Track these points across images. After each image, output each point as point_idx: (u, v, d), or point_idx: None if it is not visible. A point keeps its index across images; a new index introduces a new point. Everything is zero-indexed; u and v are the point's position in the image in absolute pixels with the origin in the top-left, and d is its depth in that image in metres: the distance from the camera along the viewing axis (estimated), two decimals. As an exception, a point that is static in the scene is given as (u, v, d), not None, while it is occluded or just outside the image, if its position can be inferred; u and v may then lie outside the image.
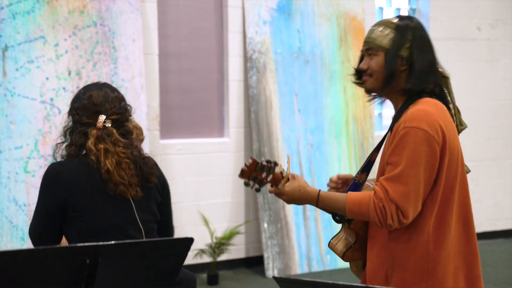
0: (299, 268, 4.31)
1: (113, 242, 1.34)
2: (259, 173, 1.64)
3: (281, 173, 1.68)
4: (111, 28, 3.82)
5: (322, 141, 4.59)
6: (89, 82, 3.83)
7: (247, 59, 4.38)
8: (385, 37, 1.73)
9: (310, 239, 4.41)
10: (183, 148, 4.27)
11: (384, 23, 1.76)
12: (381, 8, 5.17)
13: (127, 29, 3.87)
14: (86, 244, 1.29)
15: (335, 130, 4.64)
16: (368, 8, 4.90)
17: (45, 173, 1.79)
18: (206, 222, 4.11)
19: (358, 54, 5.25)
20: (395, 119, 1.73)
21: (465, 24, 5.23)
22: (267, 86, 4.42)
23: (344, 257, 1.79)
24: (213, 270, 4.08)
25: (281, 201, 4.32)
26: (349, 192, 1.70)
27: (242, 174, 1.64)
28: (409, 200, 1.62)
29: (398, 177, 1.62)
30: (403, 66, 1.72)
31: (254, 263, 4.44)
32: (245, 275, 4.27)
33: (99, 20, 3.78)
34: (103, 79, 3.77)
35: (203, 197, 4.29)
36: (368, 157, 1.82)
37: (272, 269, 4.21)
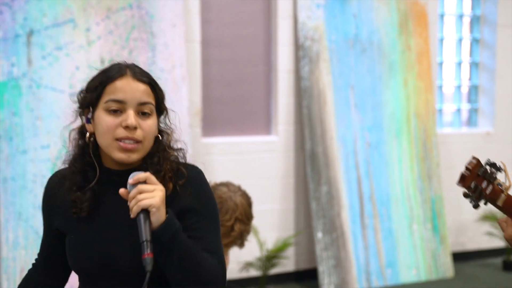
0: (357, 283, 3.81)
1: None
2: (480, 181, 1.25)
3: (498, 185, 1.28)
4: (149, 12, 3.36)
5: (381, 140, 4.08)
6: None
7: (298, 47, 3.89)
8: None
9: (369, 251, 3.91)
10: (226, 148, 3.79)
11: None
12: (443, -9, 4.63)
13: (167, 13, 3.40)
14: None
15: (395, 128, 4.13)
16: (431, -10, 4.37)
17: None
18: (255, 232, 3.63)
19: (420, 42, 4.76)
20: None
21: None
22: (321, 78, 3.92)
23: None
24: (263, 285, 3.61)
25: (336, 206, 3.84)
26: None
27: (463, 180, 1.24)
28: None
29: None
30: None
31: (306, 277, 3.95)
32: (296, 291, 3.81)
33: (136, 2, 3.32)
34: (140, 69, 3.32)
35: (249, 203, 3.81)
36: None
37: (328, 285, 3.72)
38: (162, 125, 1.34)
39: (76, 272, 1.34)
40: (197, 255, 1.23)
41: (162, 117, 1.35)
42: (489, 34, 4.71)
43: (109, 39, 3.24)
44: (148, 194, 1.20)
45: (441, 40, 4.65)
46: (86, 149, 1.31)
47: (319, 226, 3.77)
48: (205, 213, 1.30)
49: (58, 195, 1.33)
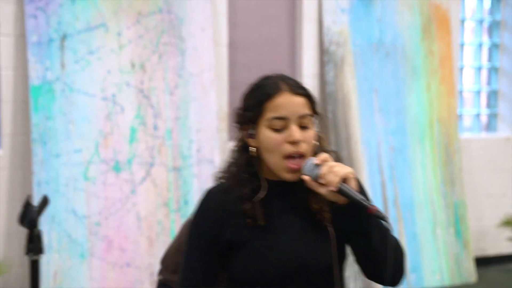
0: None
1: None
2: None
3: None
4: (178, 16, 3.37)
5: (405, 144, 4.09)
6: (153, 76, 3.44)
7: (323, 52, 3.90)
8: None
9: (393, 255, 3.91)
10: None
11: None
12: (464, -4, 4.64)
13: (196, 17, 3.41)
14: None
15: (419, 132, 4.14)
16: (454, -5, 4.38)
17: None
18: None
19: (442, 46, 4.75)
20: None
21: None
22: (345, 83, 3.93)
23: None
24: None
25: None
26: None
27: None
28: None
29: None
30: None
31: None
32: None
33: (165, 6, 3.33)
34: (169, 73, 3.33)
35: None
36: None
37: (353, 289, 3.73)
38: (317, 130, 1.37)
39: (248, 283, 1.32)
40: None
41: (317, 122, 1.38)
42: (509, 38, 4.72)
43: (139, 43, 3.25)
44: (339, 165, 1.27)
45: (462, 45, 4.66)
46: (250, 162, 1.34)
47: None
48: None
49: (224, 209, 1.35)
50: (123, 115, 3.18)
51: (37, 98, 2.97)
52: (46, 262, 2.92)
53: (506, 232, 4.44)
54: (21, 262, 3.00)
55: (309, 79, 3.91)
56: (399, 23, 4.12)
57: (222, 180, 1.39)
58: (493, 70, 4.80)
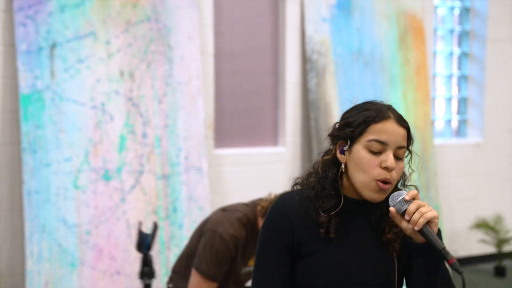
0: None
1: None
2: None
3: None
4: (166, 25, 3.39)
5: (383, 150, 4.21)
6: (142, 84, 3.45)
7: (305, 60, 3.99)
8: None
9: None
10: (236, 159, 3.85)
11: None
12: (436, 6, 4.82)
13: (183, 26, 3.44)
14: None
15: (396, 139, 4.27)
16: (427, 5, 4.54)
17: None
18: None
19: (418, 55, 4.89)
20: None
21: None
22: (327, 91, 4.03)
23: None
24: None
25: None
26: None
27: None
28: None
29: None
30: None
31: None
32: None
33: (153, 15, 3.35)
34: (158, 81, 3.35)
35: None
36: None
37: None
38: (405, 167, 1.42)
39: None
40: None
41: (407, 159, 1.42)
42: (477, 48, 4.92)
43: (128, 52, 3.26)
44: (427, 207, 1.31)
45: (434, 53, 4.83)
46: (336, 177, 1.38)
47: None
48: None
49: (298, 215, 1.38)
50: (112, 124, 3.18)
51: (27, 107, 2.95)
52: (37, 272, 2.91)
53: (478, 234, 4.63)
54: (10, 273, 2.98)
55: (291, 87, 3.99)
56: (377, 33, 4.25)
57: (299, 187, 1.43)
58: (463, 78, 4.99)
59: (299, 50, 3.99)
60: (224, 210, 2.33)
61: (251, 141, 3.97)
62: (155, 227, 2.30)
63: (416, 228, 1.30)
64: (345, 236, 1.38)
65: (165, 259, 3.28)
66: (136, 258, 3.17)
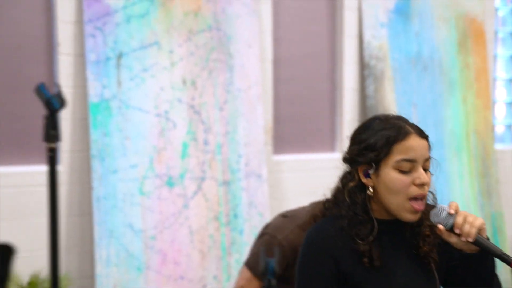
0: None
1: None
2: None
3: None
4: (227, 33, 3.44)
5: (443, 156, 4.14)
6: (203, 92, 3.51)
7: (363, 66, 3.96)
8: None
9: (433, 267, 3.96)
10: (294, 165, 3.86)
11: None
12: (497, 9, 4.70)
13: (243, 34, 3.48)
14: None
15: (455, 145, 4.19)
16: (488, 8, 4.44)
17: None
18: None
19: (478, 60, 4.77)
20: None
21: None
22: (385, 96, 3.99)
23: None
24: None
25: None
26: None
27: None
28: None
29: None
30: None
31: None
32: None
33: (215, 24, 3.40)
34: (219, 89, 3.40)
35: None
36: None
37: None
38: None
39: None
40: None
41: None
42: (540, 50, 4.77)
43: (190, 61, 3.32)
44: (472, 215, 1.31)
45: (495, 57, 4.71)
46: (365, 202, 1.37)
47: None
48: None
49: (336, 247, 1.38)
50: (175, 131, 3.25)
51: (96, 115, 3.04)
52: (106, 275, 2.99)
53: (542, 242, 4.49)
54: (80, 276, 3.07)
55: (349, 93, 3.97)
56: (436, 37, 4.19)
57: (329, 215, 1.41)
58: (525, 82, 4.85)
59: (356, 55, 3.97)
60: (284, 216, 2.34)
61: (309, 147, 3.97)
62: (275, 251, 2.12)
63: (470, 239, 1.28)
64: (386, 260, 1.36)
65: (226, 264, 3.32)
66: (198, 263, 3.22)
